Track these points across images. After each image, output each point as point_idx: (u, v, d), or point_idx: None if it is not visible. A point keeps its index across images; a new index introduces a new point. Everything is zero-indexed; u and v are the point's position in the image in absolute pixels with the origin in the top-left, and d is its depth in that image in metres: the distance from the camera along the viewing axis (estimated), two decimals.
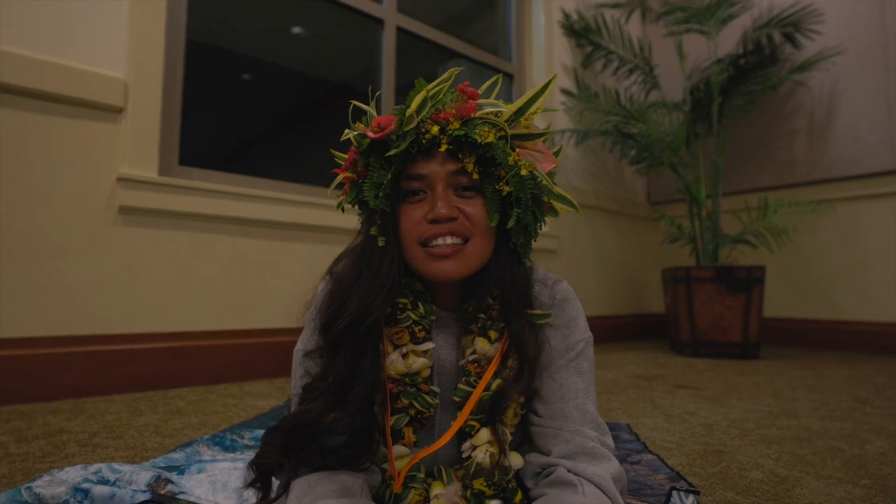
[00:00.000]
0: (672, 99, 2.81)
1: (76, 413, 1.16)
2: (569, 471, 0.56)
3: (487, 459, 0.60)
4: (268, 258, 1.70)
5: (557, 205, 0.64)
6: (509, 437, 0.62)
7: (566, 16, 2.79)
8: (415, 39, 2.36)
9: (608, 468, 0.57)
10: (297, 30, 2.19)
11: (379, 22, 2.22)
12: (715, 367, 1.99)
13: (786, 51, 2.66)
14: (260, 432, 0.97)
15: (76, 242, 1.36)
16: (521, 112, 0.62)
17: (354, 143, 0.62)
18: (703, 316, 2.32)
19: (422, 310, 0.63)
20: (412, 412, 0.62)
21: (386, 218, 0.60)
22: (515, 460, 0.61)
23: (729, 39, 2.70)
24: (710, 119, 2.59)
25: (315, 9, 2.12)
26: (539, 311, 0.65)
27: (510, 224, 0.59)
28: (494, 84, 0.65)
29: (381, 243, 0.59)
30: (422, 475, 0.62)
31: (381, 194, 0.59)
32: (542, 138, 0.63)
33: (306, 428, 0.55)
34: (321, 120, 2.19)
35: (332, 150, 0.68)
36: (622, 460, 0.87)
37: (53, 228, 1.33)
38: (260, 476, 0.57)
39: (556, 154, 0.66)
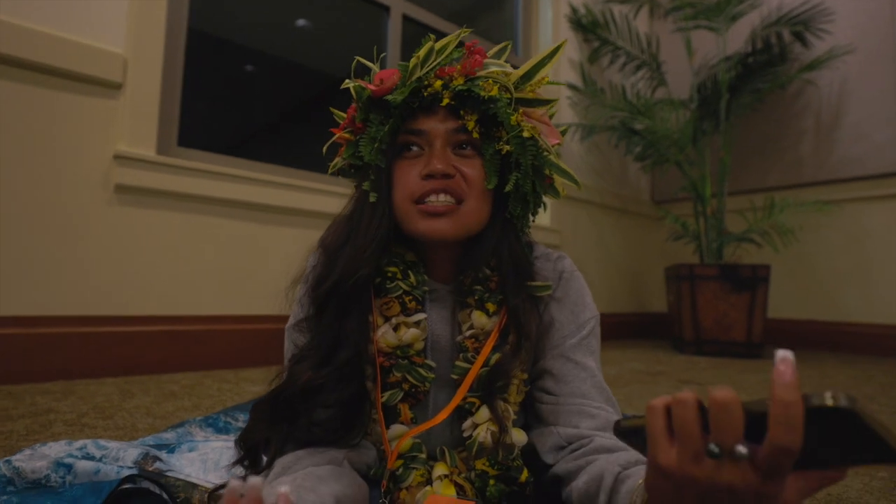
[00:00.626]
0: (679, 96, 2.78)
1: (66, 394, 1.13)
2: (606, 450, 0.53)
3: (489, 438, 0.56)
4: (267, 243, 1.67)
5: (559, 183, 0.61)
6: (512, 415, 0.59)
7: (574, 10, 2.76)
8: (421, 29, 2.33)
9: None
10: (301, 22, 2.16)
11: (385, 9, 2.19)
12: (718, 366, 1.96)
13: (795, 49, 2.64)
14: None
15: (70, 220, 1.33)
16: (527, 77, 0.59)
17: (354, 94, 0.60)
18: (707, 314, 2.29)
19: (413, 279, 0.60)
20: (406, 387, 0.58)
21: (380, 174, 0.58)
22: (518, 437, 0.58)
23: (737, 37, 2.67)
24: (718, 116, 2.56)
25: None
26: (539, 283, 0.62)
27: (508, 187, 0.57)
28: (504, 50, 0.62)
29: (372, 198, 0.57)
30: (423, 455, 0.59)
31: (376, 147, 0.56)
32: (549, 106, 0.60)
33: (293, 397, 0.53)
34: (324, 113, 2.15)
35: (331, 108, 0.65)
36: None
37: (47, 205, 1.30)
38: (247, 452, 0.54)
39: (562, 133, 0.63)
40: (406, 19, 2.24)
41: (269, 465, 0.52)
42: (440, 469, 0.58)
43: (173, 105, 1.57)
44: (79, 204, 1.34)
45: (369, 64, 0.62)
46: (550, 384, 0.61)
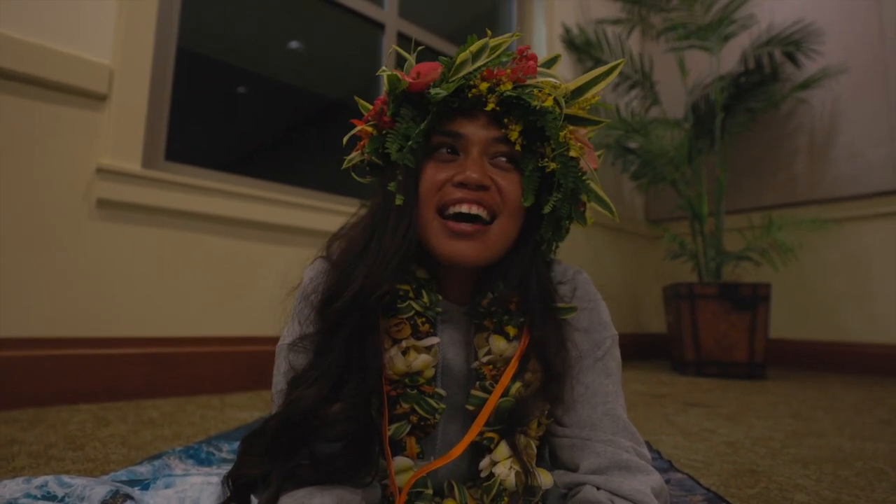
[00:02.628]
0: (673, 115, 2.78)
1: (34, 423, 1.04)
2: (599, 488, 0.47)
3: (513, 478, 0.50)
4: (257, 261, 1.60)
5: (590, 211, 0.57)
6: (535, 451, 0.53)
7: (567, 30, 2.78)
8: (416, 46, 2.31)
9: (647, 481, 0.47)
10: (294, 44, 2.14)
11: (380, 27, 2.17)
12: (722, 387, 1.91)
13: (787, 70, 2.66)
14: None
15: (48, 235, 1.26)
16: (579, 92, 0.54)
17: (387, 85, 0.54)
18: (708, 334, 2.25)
19: (426, 299, 0.54)
20: (414, 419, 0.52)
21: (409, 175, 0.51)
22: (545, 479, 0.51)
23: (730, 57, 2.69)
24: (713, 135, 2.56)
25: (317, 13, 2.07)
26: (564, 305, 0.56)
27: (546, 208, 0.51)
28: (554, 60, 0.58)
29: (398, 201, 0.51)
30: (429, 491, 0.53)
31: (407, 146, 0.51)
32: (600, 126, 0.55)
33: (297, 426, 0.46)
34: (317, 134, 2.11)
35: (355, 97, 0.60)
36: None
37: (23, 218, 1.23)
38: (237, 492, 0.47)
39: (599, 157, 0.59)
40: (401, 37, 2.23)
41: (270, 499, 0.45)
42: None
43: (161, 118, 1.52)
44: (57, 218, 1.27)
45: (405, 54, 0.57)
46: (561, 412, 0.54)
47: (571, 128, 0.53)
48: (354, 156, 0.57)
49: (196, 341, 1.47)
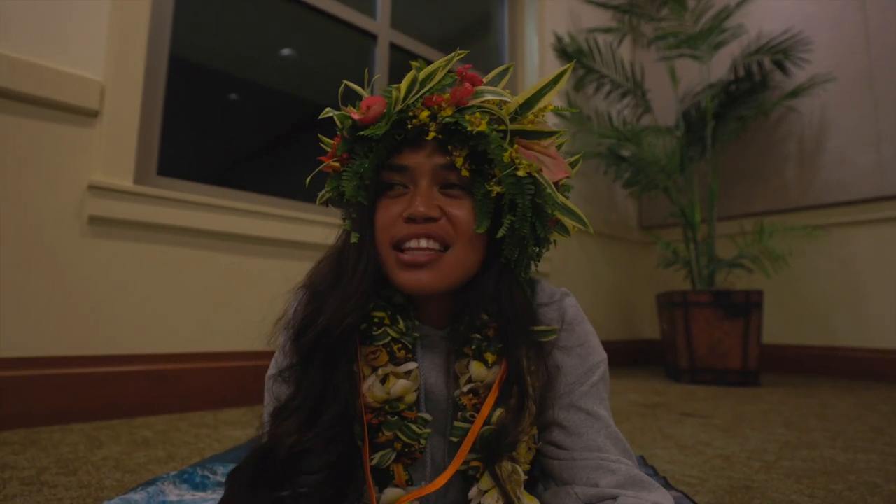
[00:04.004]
0: (665, 123, 2.81)
1: (26, 445, 1.03)
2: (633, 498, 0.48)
3: None
4: (251, 275, 1.59)
5: (568, 221, 0.55)
6: (523, 477, 0.53)
7: (558, 39, 2.80)
8: (409, 57, 2.32)
9: (664, 497, 0.49)
10: (286, 51, 2.14)
11: (372, 37, 2.18)
12: (717, 395, 1.92)
13: (776, 77, 2.69)
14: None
15: (38, 253, 1.25)
16: (528, 105, 0.53)
17: (338, 123, 0.55)
18: (702, 341, 2.26)
19: (402, 325, 0.55)
20: (398, 446, 0.52)
21: (362, 212, 0.52)
22: None
23: (720, 66, 2.71)
24: (704, 143, 2.59)
25: (308, 23, 2.07)
26: (544, 328, 0.57)
27: (500, 233, 0.51)
28: (504, 73, 0.58)
29: (354, 239, 0.52)
30: None
31: (357, 185, 0.51)
32: (553, 138, 0.54)
33: (277, 458, 0.46)
34: (310, 142, 2.10)
35: (319, 136, 0.60)
36: None
37: (14, 236, 1.22)
38: None
39: (574, 165, 0.58)
40: (393, 48, 2.23)
41: None
42: None
43: (153, 133, 1.51)
44: (49, 236, 1.26)
45: (358, 89, 0.58)
46: (561, 437, 0.55)
47: (523, 143, 0.52)
48: (325, 192, 0.58)
49: (190, 357, 1.46)
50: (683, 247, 2.61)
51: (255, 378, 1.53)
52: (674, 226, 2.98)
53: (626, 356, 2.99)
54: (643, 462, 0.98)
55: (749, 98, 2.62)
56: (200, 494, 0.74)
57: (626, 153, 2.66)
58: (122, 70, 1.39)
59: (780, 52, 2.58)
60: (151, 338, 1.40)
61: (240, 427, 1.25)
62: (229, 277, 1.55)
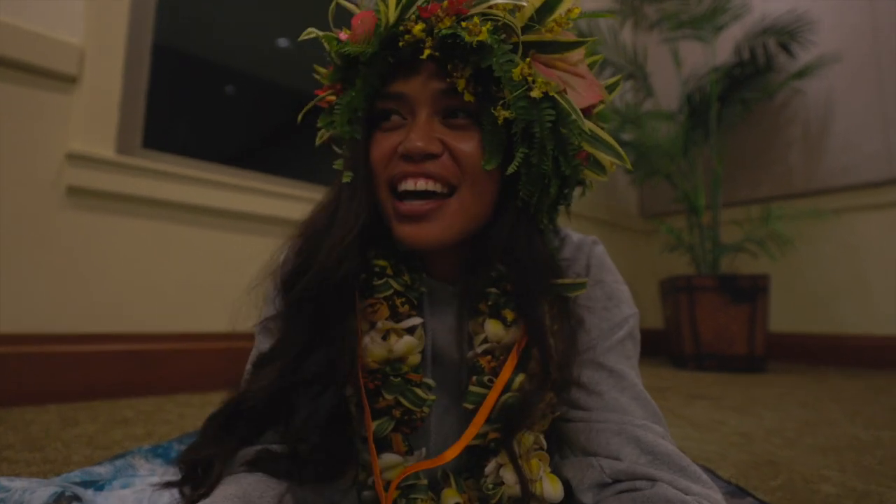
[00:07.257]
0: (667, 106, 2.74)
1: None
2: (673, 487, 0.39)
3: (520, 489, 0.43)
4: (240, 253, 1.52)
5: (603, 156, 0.45)
6: (545, 449, 0.46)
7: None
8: None
9: (710, 489, 0.40)
10: (283, 42, 2.07)
11: None
12: (724, 381, 1.86)
13: (780, 60, 2.63)
14: None
15: (13, 224, 1.18)
16: (547, 8, 0.42)
17: (325, 46, 0.48)
18: (707, 327, 2.20)
19: (406, 278, 0.48)
20: (397, 413, 0.45)
21: (356, 149, 0.45)
22: (552, 489, 0.44)
23: (724, 48, 2.65)
24: (708, 127, 2.52)
25: (301, 14, 2.00)
26: (570, 280, 0.48)
27: (510, 168, 0.42)
28: None
29: (346, 179, 0.45)
30: (424, 482, 0.46)
31: (349, 117, 0.45)
32: (581, 49, 0.45)
33: (251, 407, 0.41)
34: (305, 132, 2.04)
35: (315, 66, 0.53)
36: None
37: None
38: (189, 472, 0.42)
39: (612, 88, 0.49)
40: None
41: (206, 488, 0.39)
42: (451, 497, 0.45)
43: (137, 103, 1.44)
44: (24, 207, 1.19)
45: (350, 6, 0.50)
46: (580, 396, 0.47)
47: (542, 61, 0.43)
48: (323, 132, 0.51)
49: (175, 337, 1.39)
50: (687, 233, 2.55)
51: (245, 359, 1.46)
52: (676, 214, 2.91)
53: None
54: None
55: (754, 80, 2.57)
56: (174, 469, 0.67)
57: (627, 137, 2.60)
58: (102, 34, 1.31)
59: (786, 34, 2.52)
60: (134, 316, 1.33)
61: None
62: (217, 254, 1.48)
